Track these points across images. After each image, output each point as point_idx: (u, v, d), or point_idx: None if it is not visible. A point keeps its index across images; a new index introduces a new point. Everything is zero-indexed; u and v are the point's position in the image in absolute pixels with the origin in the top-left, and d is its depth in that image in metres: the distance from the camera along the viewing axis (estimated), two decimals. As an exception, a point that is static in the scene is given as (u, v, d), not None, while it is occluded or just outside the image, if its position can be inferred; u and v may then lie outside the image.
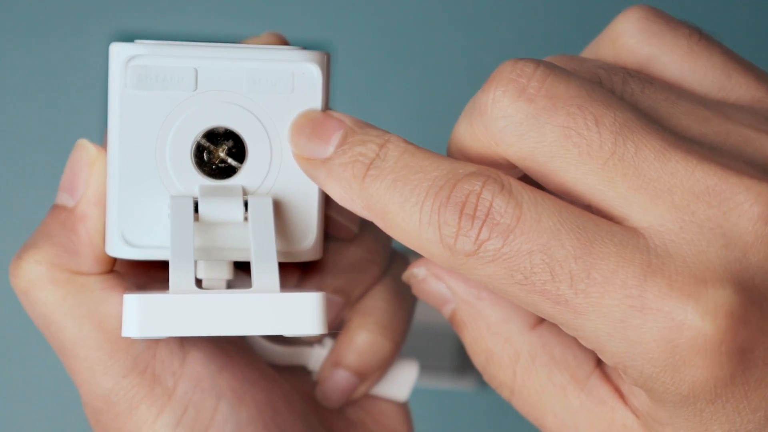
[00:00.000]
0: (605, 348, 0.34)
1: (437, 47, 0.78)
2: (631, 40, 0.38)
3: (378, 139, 0.37)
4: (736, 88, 0.38)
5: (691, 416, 0.34)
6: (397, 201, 0.36)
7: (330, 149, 0.38)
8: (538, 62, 0.35)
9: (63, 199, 0.42)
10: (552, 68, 0.35)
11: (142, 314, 0.37)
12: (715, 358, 0.33)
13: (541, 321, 0.40)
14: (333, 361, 0.46)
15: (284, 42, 0.46)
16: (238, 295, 0.38)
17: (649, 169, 0.34)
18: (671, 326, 0.33)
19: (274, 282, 0.39)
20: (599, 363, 0.39)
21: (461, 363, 0.53)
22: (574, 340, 0.39)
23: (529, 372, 0.39)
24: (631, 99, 0.36)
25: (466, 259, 0.34)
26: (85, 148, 0.42)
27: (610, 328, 0.33)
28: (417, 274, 0.42)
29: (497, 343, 0.40)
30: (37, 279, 0.41)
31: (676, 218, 0.33)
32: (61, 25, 0.75)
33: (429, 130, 0.71)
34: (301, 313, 0.38)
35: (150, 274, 0.44)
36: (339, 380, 0.46)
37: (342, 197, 0.38)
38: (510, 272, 0.34)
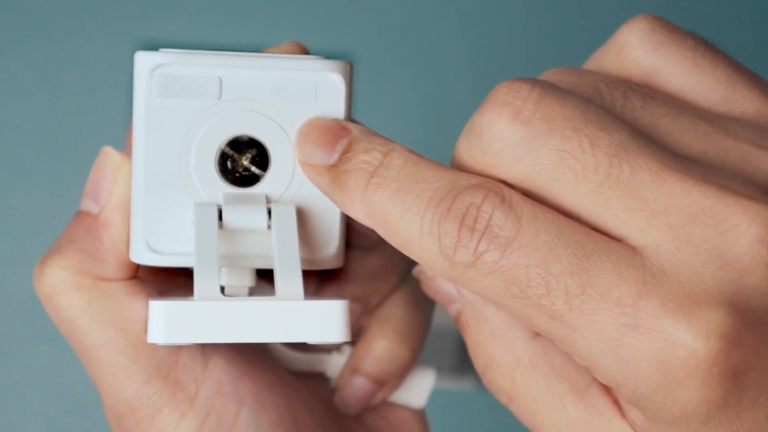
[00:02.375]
0: (598, 365, 0.34)
1: (446, 55, 0.78)
2: (636, 51, 0.38)
3: (382, 147, 0.38)
4: (741, 101, 0.38)
5: None
6: (399, 210, 0.36)
7: (335, 156, 0.39)
8: (534, 83, 0.35)
9: (87, 205, 0.43)
10: (548, 89, 0.35)
11: (168, 320, 0.37)
12: (707, 379, 0.33)
13: None
14: (351, 368, 0.46)
15: (305, 51, 0.46)
16: (262, 302, 0.38)
17: (646, 190, 0.34)
18: (664, 346, 0.33)
19: (298, 290, 0.39)
20: None
21: (461, 363, 0.53)
22: None
23: (528, 380, 0.40)
24: (631, 114, 0.36)
25: (465, 271, 0.35)
26: (110, 155, 0.42)
27: (603, 346, 0.34)
28: (426, 270, 0.42)
29: (499, 348, 0.40)
30: (61, 284, 0.42)
31: (672, 238, 0.34)
32: (84, 33, 0.76)
33: (437, 139, 0.71)
34: (325, 321, 0.38)
35: (171, 281, 0.44)
36: (357, 387, 0.47)
37: (345, 204, 0.38)
38: (506, 285, 0.34)
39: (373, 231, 0.45)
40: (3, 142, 0.75)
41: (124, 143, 0.44)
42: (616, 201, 0.34)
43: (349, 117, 0.42)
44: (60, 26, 0.76)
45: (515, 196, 0.35)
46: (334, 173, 0.38)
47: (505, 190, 0.35)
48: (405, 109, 0.78)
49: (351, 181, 0.37)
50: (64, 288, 0.41)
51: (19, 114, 0.75)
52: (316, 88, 0.41)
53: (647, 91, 0.37)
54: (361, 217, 0.38)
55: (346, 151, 0.38)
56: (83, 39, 0.76)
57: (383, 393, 0.47)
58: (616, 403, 0.38)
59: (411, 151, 0.37)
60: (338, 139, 0.39)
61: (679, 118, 0.36)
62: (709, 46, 0.38)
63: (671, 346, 0.33)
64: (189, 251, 0.41)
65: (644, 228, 0.34)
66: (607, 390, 0.39)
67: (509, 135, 0.35)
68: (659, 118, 0.36)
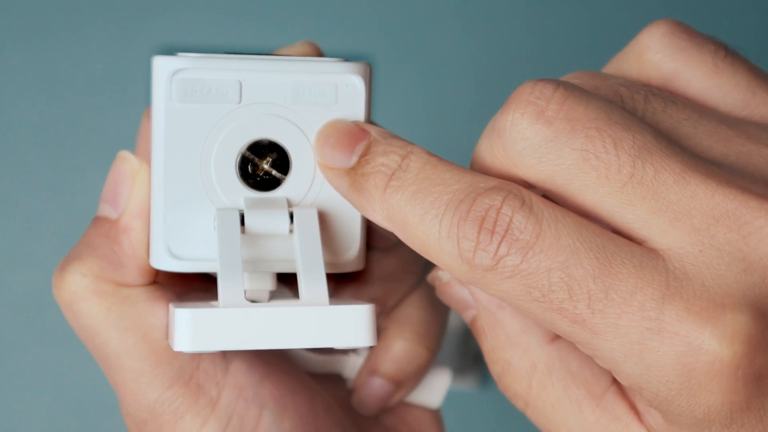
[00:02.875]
0: (621, 368, 0.34)
1: (458, 56, 0.78)
2: (656, 55, 0.38)
3: (401, 150, 0.37)
4: (761, 105, 0.38)
5: None
6: (418, 213, 0.36)
7: (354, 159, 0.38)
8: (558, 83, 0.35)
9: (105, 210, 0.42)
10: (571, 90, 0.35)
11: (195, 329, 0.37)
12: (731, 383, 0.33)
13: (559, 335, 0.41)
14: (369, 369, 0.46)
15: (319, 51, 0.46)
16: (288, 308, 0.38)
17: (669, 192, 0.34)
18: (688, 350, 0.33)
19: (323, 294, 0.39)
20: (615, 380, 0.39)
21: (462, 363, 0.53)
22: None
23: (544, 385, 0.40)
24: (652, 118, 0.36)
25: (485, 274, 0.35)
26: (127, 159, 0.42)
27: (627, 349, 0.33)
28: (442, 276, 0.42)
29: (515, 353, 0.40)
30: (82, 291, 0.41)
31: (695, 241, 0.34)
32: (88, 32, 0.75)
33: (450, 138, 0.71)
34: (351, 326, 0.38)
35: (188, 284, 0.44)
36: (375, 388, 0.46)
37: (364, 207, 0.38)
38: (528, 289, 0.34)
39: (391, 232, 0.45)
40: (3, 143, 0.74)
41: (135, 147, 0.44)
42: (638, 202, 0.34)
43: (369, 118, 0.42)
44: (63, 26, 0.75)
45: (535, 199, 0.35)
46: (352, 176, 0.38)
47: (525, 192, 0.35)
48: (417, 110, 0.78)
49: (370, 184, 0.37)
50: (84, 295, 0.41)
51: (20, 114, 0.75)
52: (336, 90, 0.41)
53: (668, 95, 0.37)
54: (380, 220, 0.37)
55: (364, 153, 0.38)
56: (88, 38, 0.75)
57: (401, 393, 0.47)
58: (633, 408, 0.38)
59: (430, 154, 0.37)
60: (357, 141, 0.39)
61: (700, 122, 0.36)
62: (728, 50, 0.38)
63: (695, 350, 0.33)
64: (210, 256, 0.41)
65: (666, 229, 0.34)
66: (624, 394, 0.39)
67: (532, 135, 0.35)
68: (680, 121, 0.36)
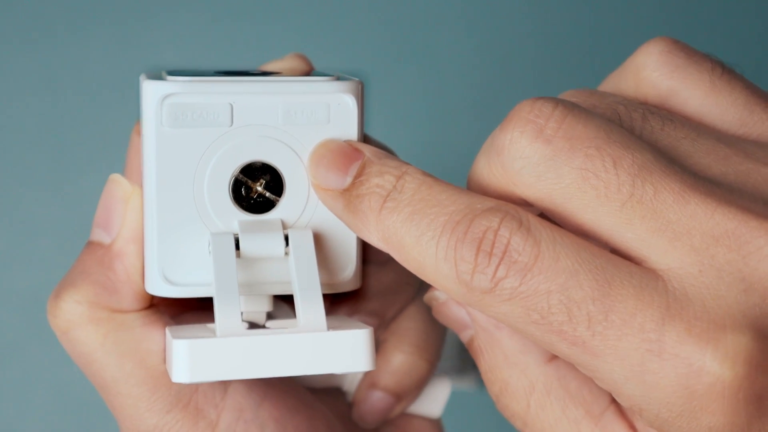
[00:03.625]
0: (621, 390, 0.34)
1: (454, 69, 0.77)
2: (653, 74, 0.38)
3: (396, 170, 0.37)
4: (759, 123, 0.37)
5: None
6: (414, 234, 0.35)
7: (348, 180, 0.38)
8: (557, 102, 0.35)
9: (98, 235, 0.42)
10: (571, 108, 0.35)
11: (192, 360, 0.37)
12: (732, 404, 0.33)
13: None
14: (369, 383, 0.46)
15: (308, 63, 0.45)
16: (286, 335, 0.38)
17: (668, 211, 0.33)
18: (689, 372, 0.33)
19: (320, 319, 0.38)
20: (614, 399, 0.39)
21: (461, 363, 0.53)
22: None
23: (543, 405, 0.39)
24: (650, 137, 0.36)
25: (483, 296, 0.34)
26: (119, 183, 0.42)
27: (627, 372, 0.33)
28: (438, 297, 0.42)
29: (513, 373, 0.40)
30: (77, 319, 0.41)
31: (695, 261, 0.33)
32: (100, 35, 0.75)
33: (448, 160, 0.70)
34: (349, 351, 0.38)
35: (185, 304, 0.44)
36: (375, 401, 0.46)
37: (359, 229, 0.37)
38: (527, 311, 0.34)
39: None
40: (3, 143, 0.74)
41: (125, 166, 0.43)
42: (638, 221, 0.34)
43: (362, 137, 0.41)
44: (64, 27, 0.75)
45: (533, 219, 0.34)
46: (347, 197, 0.38)
47: (523, 213, 0.35)
48: (416, 119, 0.77)
49: (365, 206, 0.37)
50: (79, 322, 0.41)
51: (20, 114, 0.74)
52: (328, 110, 0.40)
53: (666, 114, 0.37)
54: (375, 241, 0.37)
55: (359, 174, 0.38)
56: (88, 39, 0.75)
57: (401, 406, 0.47)
58: (632, 428, 0.38)
59: (425, 174, 0.37)
60: (351, 162, 0.38)
61: (698, 141, 0.36)
62: (726, 69, 0.38)
63: (696, 372, 0.32)
64: (206, 281, 0.40)
65: (666, 249, 0.33)
66: (622, 414, 0.38)
67: (531, 153, 0.34)
68: (678, 140, 0.36)
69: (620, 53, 0.41)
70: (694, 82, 0.38)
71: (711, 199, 0.34)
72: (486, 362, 0.40)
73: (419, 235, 0.35)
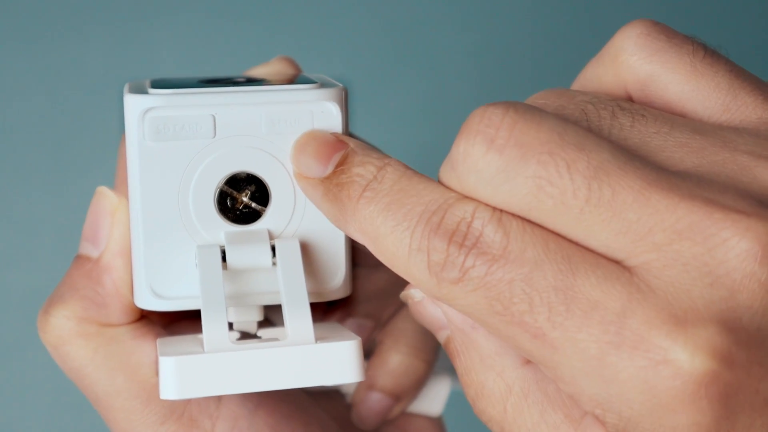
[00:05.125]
0: (583, 389, 0.33)
1: (459, 65, 0.77)
2: (632, 58, 0.37)
3: (378, 162, 0.36)
4: (742, 108, 0.36)
5: None
6: (389, 225, 0.35)
7: (329, 168, 0.37)
8: (507, 107, 0.34)
9: (86, 249, 0.42)
10: (522, 112, 0.34)
11: (180, 376, 0.37)
12: (695, 402, 0.31)
13: None
14: (367, 384, 0.46)
15: (295, 66, 0.45)
16: (273, 349, 0.37)
17: (628, 211, 0.32)
18: (648, 365, 0.31)
19: (308, 331, 0.38)
20: None
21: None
22: None
23: (520, 409, 0.38)
24: (619, 134, 0.35)
25: (451, 288, 0.33)
26: (106, 195, 0.41)
27: (586, 366, 0.32)
28: (414, 295, 0.40)
29: (489, 376, 0.38)
30: (67, 334, 0.41)
31: (659, 257, 0.32)
32: (100, 35, 0.75)
33: (430, 153, 0.70)
34: (338, 363, 0.38)
35: (177, 313, 0.44)
36: (374, 403, 0.46)
37: (336, 218, 0.37)
38: (490, 302, 0.33)
39: None
40: (3, 143, 0.74)
41: (114, 180, 0.43)
42: (598, 226, 0.33)
43: None
44: (64, 26, 0.75)
45: (505, 212, 0.34)
46: (327, 185, 0.37)
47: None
48: (408, 125, 0.77)
49: (343, 194, 0.36)
50: (69, 338, 0.41)
51: (20, 114, 0.74)
52: (311, 117, 0.40)
53: (638, 108, 0.36)
54: (352, 231, 0.36)
55: (341, 163, 0.37)
56: (88, 39, 0.75)
57: (400, 406, 0.47)
58: None
59: (407, 167, 0.36)
60: (334, 151, 0.38)
61: (671, 134, 0.35)
62: (708, 50, 0.37)
63: (656, 365, 0.31)
64: (194, 294, 0.40)
65: (630, 250, 0.32)
66: (602, 420, 0.37)
67: (484, 166, 0.33)
68: (650, 135, 0.35)
69: (610, 24, 0.39)
70: (675, 66, 0.36)
71: (674, 193, 0.32)
72: (462, 364, 0.39)
73: (394, 225, 0.35)
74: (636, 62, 0.37)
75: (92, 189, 0.42)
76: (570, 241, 0.33)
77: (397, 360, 0.46)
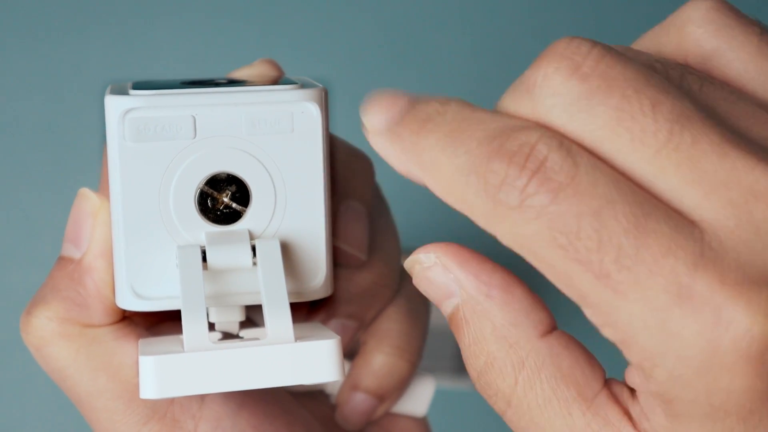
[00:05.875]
0: (636, 339, 0.31)
1: (458, 63, 0.77)
2: (698, 30, 0.36)
3: (441, 99, 0.35)
4: None
5: None
6: (449, 151, 0.33)
7: (395, 114, 0.35)
8: (595, 42, 0.33)
9: (68, 250, 0.42)
10: (609, 49, 0.33)
11: (159, 375, 0.37)
12: (757, 367, 0.30)
13: (551, 329, 0.37)
14: (351, 385, 0.46)
15: (278, 68, 0.45)
16: (253, 348, 0.38)
17: (706, 162, 0.31)
18: (716, 323, 0.30)
19: (287, 331, 0.38)
20: (607, 383, 0.37)
21: (461, 363, 0.52)
22: (584, 353, 0.37)
23: (532, 383, 0.36)
24: (689, 93, 0.34)
25: (509, 213, 0.32)
26: (87, 197, 0.42)
27: (649, 316, 0.31)
28: (424, 260, 0.38)
29: (501, 347, 0.36)
30: (49, 335, 0.41)
31: (732, 215, 0.31)
32: (101, 34, 0.75)
33: None
34: (317, 362, 0.38)
35: (160, 314, 0.44)
36: (358, 403, 0.46)
37: (398, 158, 0.35)
38: (553, 233, 0.31)
39: (361, 251, 0.44)
40: (3, 143, 0.74)
41: (98, 184, 0.43)
42: (673, 170, 0.31)
43: (328, 143, 0.41)
44: (64, 26, 0.75)
45: (575, 144, 0.32)
46: (392, 129, 0.35)
47: (563, 136, 0.33)
48: None
49: (404, 131, 0.34)
50: (51, 339, 0.41)
51: (20, 114, 0.75)
52: (291, 118, 0.40)
53: (705, 75, 0.35)
54: (411, 168, 0.34)
55: (407, 109, 0.35)
56: (88, 38, 0.75)
57: (384, 407, 0.47)
58: (627, 413, 0.35)
59: (470, 104, 0.35)
60: (401, 100, 0.35)
61: (737, 103, 0.34)
62: None
63: (724, 324, 0.30)
64: (176, 294, 0.40)
65: (701, 202, 0.31)
66: (616, 399, 0.36)
67: (565, 90, 0.32)
68: (717, 101, 0.34)
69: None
70: (741, 44, 0.35)
71: (751, 155, 0.31)
72: (471, 334, 0.37)
73: (454, 151, 0.33)
74: (702, 35, 0.36)
75: (93, 188, 0.43)
76: (639, 185, 0.32)
77: (381, 360, 0.46)
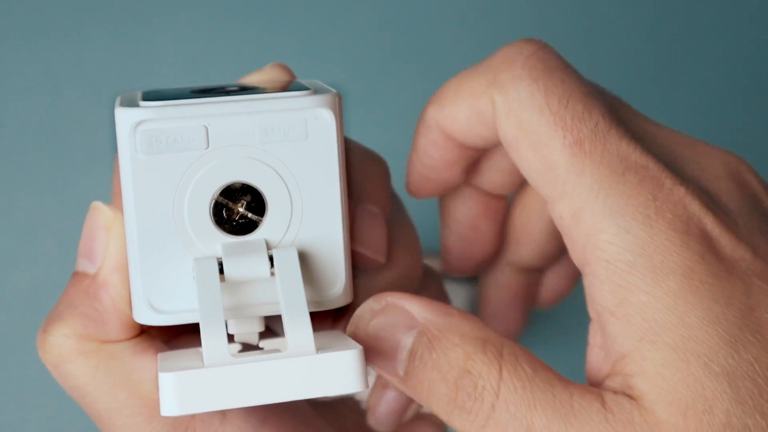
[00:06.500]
0: None
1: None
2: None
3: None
4: None
5: None
6: None
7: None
8: None
9: (83, 265, 0.41)
10: None
11: (180, 392, 0.36)
12: None
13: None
14: (381, 385, 0.46)
15: (289, 73, 0.44)
16: (274, 361, 0.37)
17: None
18: None
19: (308, 342, 0.38)
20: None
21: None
22: None
23: (515, 368, 0.38)
24: None
25: None
26: (100, 210, 0.41)
27: None
28: (373, 305, 0.41)
29: (476, 346, 0.39)
30: (66, 353, 0.40)
31: None
32: (101, 34, 0.74)
33: None
34: (340, 373, 0.37)
35: (177, 326, 0.43)
36: (390, 402, 0.46)
37: None
38: None
39: (380, 254, 0.43)
40: (3, 143, 0.74)
41: (110, 196, 0.42)
42: None
43: (342, 148, 0.40)
44: (64, 26, 0.74)
45: None
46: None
47: None
48: (399, 129, 0.77)
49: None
50: (69, 356, 0.40)
51: (20, 114, 0.74)
52: (305, 125, 0.39)
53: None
54: None
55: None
56: (88, 38, 0.74)
57: (415, 405, 0.46)
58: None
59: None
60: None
61: None
62: None
63: None
64: (193, 307, 0.40)
65: None
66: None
67: None
68: None
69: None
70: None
71: None
72: (441, 349, 0.39)
73: None
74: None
75: (93, 189, 0.42)
76: None
77: None
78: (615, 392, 0.37)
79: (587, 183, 0.38)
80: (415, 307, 0.39)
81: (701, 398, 0.35)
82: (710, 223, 0.38)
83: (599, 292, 0.38)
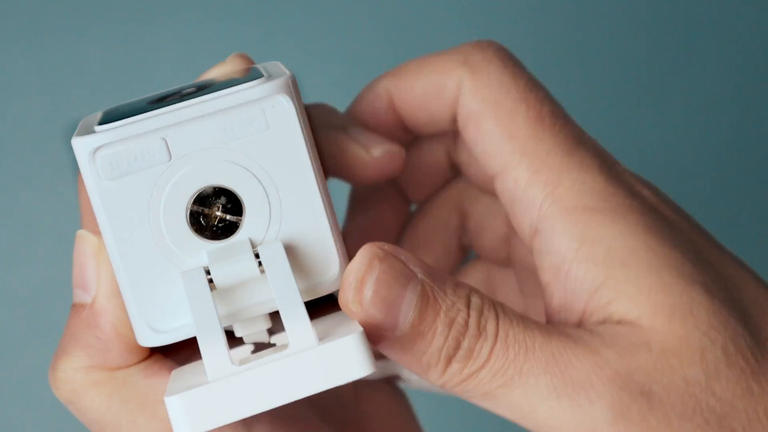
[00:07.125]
0: None
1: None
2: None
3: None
4: None
5: None
6: None
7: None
8: None
9: (79, 296, 0.41)
10: None
11: (188, 413, 0.36)
12: None
13: None
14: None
15: (249, 61, 0.43)
16: (277, 363, 0.36)
17: None
18: None
19: (308, 334, 0.37)
20: None
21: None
22: None
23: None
24: None
25: None
26: (86, 238, 0.40)
27: None
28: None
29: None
30: (78, 386, 0.40)
31: None
32: (101, 34, 0.74)
33: None
34: (345, 361, 0.36)
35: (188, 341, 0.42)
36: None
37: None
38: None
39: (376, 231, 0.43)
40: (3, 143, 0.74)
41: (81, 220, 0.42)
42: None
43: (308, 130, 0.39)
44: (64, 26, 0.74)
45: None
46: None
47: None
48: None
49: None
50: (81, 389, 0.40)
51: (20, 114, 0.74)
52: (264, 115, 0.38)
53: None
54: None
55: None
56: (89, 38, 0.74)
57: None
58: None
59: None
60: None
61: None
62: None
63: None
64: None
65: None
66: None
67: None
68: None
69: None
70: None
71: None
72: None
73: None
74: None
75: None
76: None
77: None
78: (597, 323, 0.39)
79: (546, 147, 0.40)
80: (409, 257, 0.39)
81: (683, 303, 0.37)
82: (646, 190, 0.41)
83: (558, 243, 0.39)
